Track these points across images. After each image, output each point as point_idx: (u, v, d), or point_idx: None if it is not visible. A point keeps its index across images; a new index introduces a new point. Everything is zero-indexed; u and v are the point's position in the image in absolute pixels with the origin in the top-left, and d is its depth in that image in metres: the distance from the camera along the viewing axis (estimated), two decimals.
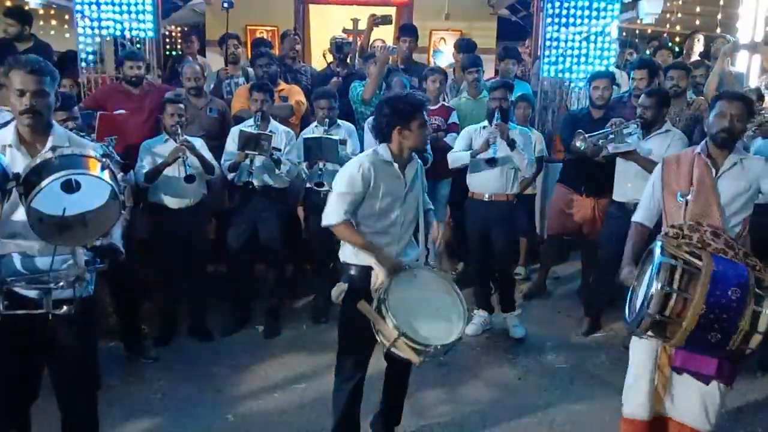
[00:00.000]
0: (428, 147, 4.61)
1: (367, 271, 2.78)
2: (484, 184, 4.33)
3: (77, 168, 2.05)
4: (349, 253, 2.86)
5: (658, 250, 2.47)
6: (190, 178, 3.99)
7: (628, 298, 2.64)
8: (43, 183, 1.96)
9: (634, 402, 2.91)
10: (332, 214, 2.78)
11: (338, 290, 2.79)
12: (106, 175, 2.09)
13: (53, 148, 2.08)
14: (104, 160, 2.14)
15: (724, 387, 2.78)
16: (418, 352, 2.59)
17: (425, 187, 3.05)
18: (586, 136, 4.06)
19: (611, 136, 4.07)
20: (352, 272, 2.84)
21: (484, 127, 4.37)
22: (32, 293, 2.26)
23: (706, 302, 2.32)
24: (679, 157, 2.94)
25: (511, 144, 4.14)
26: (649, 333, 2.50)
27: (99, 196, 2.11)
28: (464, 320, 2.74)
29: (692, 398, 2.83)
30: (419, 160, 3.01)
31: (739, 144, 2.99)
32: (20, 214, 2.16)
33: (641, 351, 2.89)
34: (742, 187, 2.80)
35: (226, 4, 5.22)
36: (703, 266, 2.38)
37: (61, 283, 2.22)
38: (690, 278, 2.39)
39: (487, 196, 4.33)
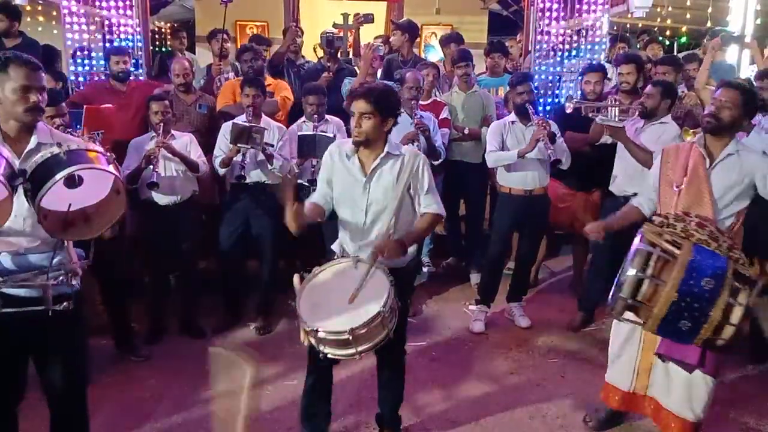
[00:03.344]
0: (441, 143, 4.61)
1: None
2: (522, 179, 4.34)
3: (85, 162, 2.03)
4: (335, 243, 2.93)
5: (638, 238, 2.55)
6: (152, 185, 3.91)
7: (615, 284, 2.69)
8: (58, 176, 1.94)
9: (617, 370, 3.15)
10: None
11: (297, 279, 2.74)
12: (112, 168, 2.09)
13: (59, 144, 2.06)
14: (108, 154, 2.13)
15: (711, 379, 2.84)
16: (306, 332, 2.55)
17: (419, 184, 2.79)
18: (576, 100, 4.10)
19: (603, 110, 4.09)
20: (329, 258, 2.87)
21: (512, 122, 4.36)
22: (25, 291, 2.24)
23: (678, 290, 2.39)
24: (678, 148, 3.01)
25: (552, 138, 4.15)
26: (626, 316, 2.60)
27: (101, 190, 2.11)
28: (367, 318, 2.45)
29: (678, 387, 2.94)
30: (413, 155, 2.80)
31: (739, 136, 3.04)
32: None
33: (622, 330, 3.06)
34: (734, 179, 2.82)
35: None
36: (680, 255, 2.44)
37: (61, 279, 2.21)
38: (665, 266, 2.46)
39: (525, 190, 4.34)
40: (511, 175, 4.36)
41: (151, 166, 3.90)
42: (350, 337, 2.44)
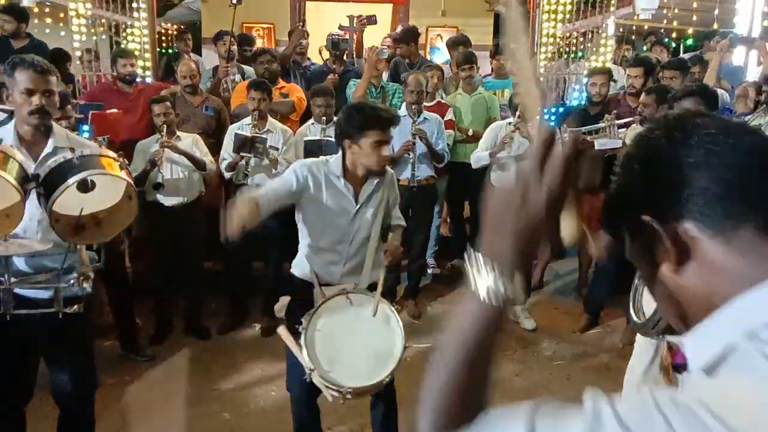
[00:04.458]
0: (443, 145, 4.61)
1: (308, 285, 2.61)
2: (507, 179, 4.30)
3: (97, 168, 2.05)
4: (294, 265, 2.71)
5: None
6: (158, 186, 3.95)
7: (632, 298, 2.63)
8: (70, 181, 1.97)
9: None
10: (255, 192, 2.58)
11: (281, 304, 2.60)
12: (124, 174, 2.11)
13: (72, 149, 2.08)
14: (121, 159, 2.16)
15: None
16: (330, 389, 2.34)
17: (394, 200, 2.72)
18: (570, 130, 4.08)
19: (601, 132, 4.09)
20: (295, 286, 2.67)
21: (509, 123, 4.36)
22: (36, 293, 2.28)
23: None
24: None
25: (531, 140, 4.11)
26: (664, 335, 2.49)
27: (113, 195, 2.13)
28: (397, 360, 2.37)
29: None
30: (389, 173, 2.69)
31: None
32: None
33: (646, 353, 2.88)
34: None
35: (235, 1, 5.23)
36: None
37: (72, 282, 2.24)
38: None
39: None
40: (498, 175, 4.35)
41: (156, 168, 3.92)
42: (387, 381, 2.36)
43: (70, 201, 2.04)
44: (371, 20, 5.94)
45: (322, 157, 2.66)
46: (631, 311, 2.60)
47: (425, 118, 4.51)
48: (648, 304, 2.49)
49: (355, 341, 2.42)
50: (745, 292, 0.68)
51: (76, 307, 2.25)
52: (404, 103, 4.67)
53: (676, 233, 0.73)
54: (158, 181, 3.93)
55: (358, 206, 2.54)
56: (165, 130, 3.99)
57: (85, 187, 2.05)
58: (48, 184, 2.01)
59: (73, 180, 1.97)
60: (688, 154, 0.73)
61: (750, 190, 0.71)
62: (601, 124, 4.15)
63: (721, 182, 0.71)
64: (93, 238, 2.20)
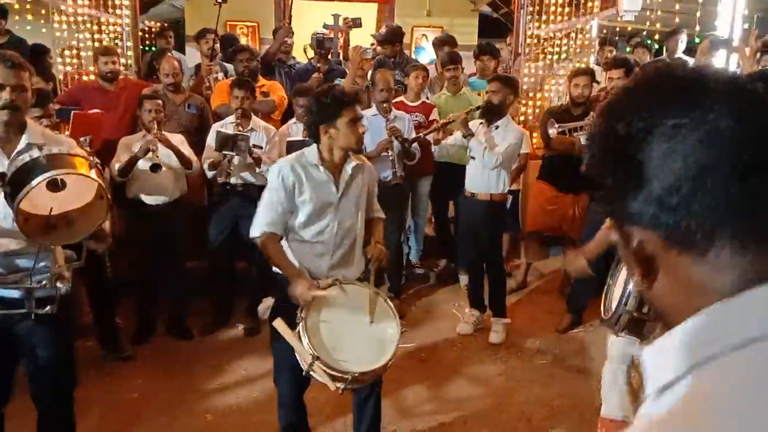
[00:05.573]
0: (415, 143, 4.59)
1: None
2: (469, 181, 4.34)
3: (66, 167, 2.02)
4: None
5: None
6: (155, 167, 3.91)
7: (603, 296, 2.65)
8: (34, 182, 1.93)
9: (612, 402, 2.93)
10: (255, 227, 2.58)
11: (265, 306, 2.57)
12: (94, 174, 2.08)
13: (39, 147, 2.05)
14: (92, 158, 2.13)
15: None
16: (334, 378, 2.35)
17: (373, 189, 2.79)
18: (557, 125, 4.12)
19: (585, 128, 4.13)
20: (281, 283, 2.62)
21: (481, 123, 4.36)
22: (10, 293, 2.24)
23: None
24: None
25: (466, 132, 4.16)
26: (626, 331, 2.52)
27: (85, 194, 2.10)
28: (395, 345, 2.45)
29: None
30: (368, 164, 2.77)
31: None
32: None
33: (618, 350, 2.91)
34: None
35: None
36: None
37: (44, 282, 2.20)
38: None
39: (472, 194, 4.31)
40: (467, 177, 4.36)
41: (151, 153, 3.86)
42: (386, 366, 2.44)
43: (40, 200, 2.00)
44: (356, 23, 5.97)
45: (296, 152, 2.70)
46: (602, 308, 2.65)
47: (395, 116, 4.49)
48: (615, 302, 2.53)
49: (354, 328, 2.47)
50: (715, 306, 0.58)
51: (48, 308, 2.21)
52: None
53: (640, 244, 0.60)
54: (155, 162, 3.88)
55: (339, 194, 2.59)
56: (155, 126, 3.95)
57: (55, 186, 2.02)
58: (14, 183, 1.98)
59: (37, 181, 1.93)
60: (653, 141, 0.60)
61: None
62: (586, 121, 4.19)
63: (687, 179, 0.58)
64: (63, 238, 2.16)
